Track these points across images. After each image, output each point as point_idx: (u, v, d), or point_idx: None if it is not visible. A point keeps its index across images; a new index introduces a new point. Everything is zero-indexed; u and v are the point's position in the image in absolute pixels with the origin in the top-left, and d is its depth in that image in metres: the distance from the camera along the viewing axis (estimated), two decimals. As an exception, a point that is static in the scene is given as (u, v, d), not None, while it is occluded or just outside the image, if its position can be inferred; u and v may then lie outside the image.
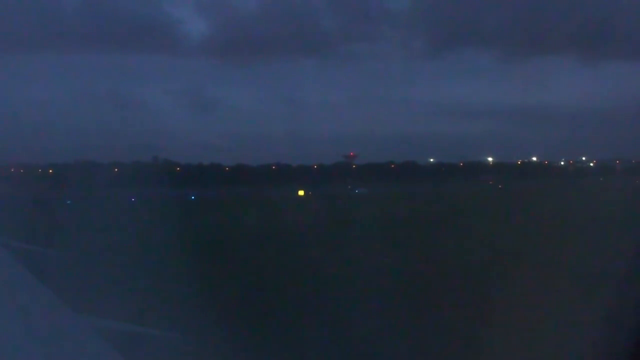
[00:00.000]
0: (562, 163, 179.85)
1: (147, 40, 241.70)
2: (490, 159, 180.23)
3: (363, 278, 27.46)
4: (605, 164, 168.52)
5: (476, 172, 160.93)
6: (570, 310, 18.59)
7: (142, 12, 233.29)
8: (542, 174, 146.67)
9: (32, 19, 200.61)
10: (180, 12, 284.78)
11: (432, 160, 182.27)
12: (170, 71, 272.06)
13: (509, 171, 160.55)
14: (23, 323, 6.69)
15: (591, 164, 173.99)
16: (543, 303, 20.43)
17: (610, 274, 15.99)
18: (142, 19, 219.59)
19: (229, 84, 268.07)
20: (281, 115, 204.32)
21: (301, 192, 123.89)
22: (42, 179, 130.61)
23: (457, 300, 23.02)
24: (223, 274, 30.81)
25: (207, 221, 67.94)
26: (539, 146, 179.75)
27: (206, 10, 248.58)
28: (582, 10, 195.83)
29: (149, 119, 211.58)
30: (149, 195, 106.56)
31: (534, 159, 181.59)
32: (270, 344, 19.02)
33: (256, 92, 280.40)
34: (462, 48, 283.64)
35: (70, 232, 44.71)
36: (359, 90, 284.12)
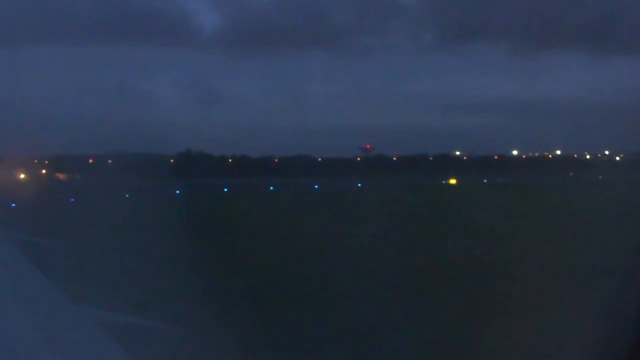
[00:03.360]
0: (588, 157, 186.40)
1: (163, 32, 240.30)
2: (515, 152, 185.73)
3: None
4: (632, 158, 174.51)
5: (514, 165, 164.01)
6: None
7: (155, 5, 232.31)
8: (592, 167, 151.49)
9: (49, 13, 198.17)
10: (194, 4, 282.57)
11: (458, 152, 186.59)
12: (186, 63, 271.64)
13: (546, 164, 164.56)
14: (24, 314, 6.72)
15: (617, 158, 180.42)
16: None
17: None
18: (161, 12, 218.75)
19: (239, 76, 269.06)
20: (292, 108, 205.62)
21: (453, 181, 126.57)
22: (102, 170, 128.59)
23: None
24: None
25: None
26: (556, 140, 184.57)
27: (221, 2, 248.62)
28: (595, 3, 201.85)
29: (164, 111, 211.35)
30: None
31: (558, 152, 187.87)
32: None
33: (267, 85, 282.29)
34: (474, 41, 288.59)
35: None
36: (369, 83, 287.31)
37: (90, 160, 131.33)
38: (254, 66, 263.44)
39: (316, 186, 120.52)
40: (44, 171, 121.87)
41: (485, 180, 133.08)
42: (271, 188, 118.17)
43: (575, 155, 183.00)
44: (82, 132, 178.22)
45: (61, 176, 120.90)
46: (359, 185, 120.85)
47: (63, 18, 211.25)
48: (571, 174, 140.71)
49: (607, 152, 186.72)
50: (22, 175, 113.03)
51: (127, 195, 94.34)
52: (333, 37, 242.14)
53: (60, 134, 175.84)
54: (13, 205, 57.56)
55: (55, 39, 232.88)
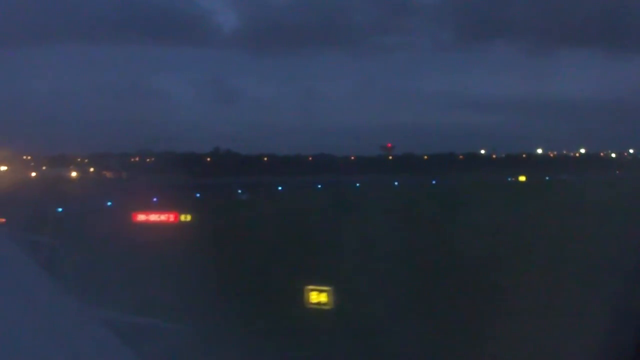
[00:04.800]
0: (614, 155, 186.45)
1: (180, 32, 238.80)
2: (540, 150, 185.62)
3: None
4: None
5: (544, 165, 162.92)
6: None
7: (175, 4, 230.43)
8: (630, 165, 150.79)
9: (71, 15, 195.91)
10: (212, 3, 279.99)
11: (483, 152, 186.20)
12: (203, 63, 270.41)
13: (580, 163, 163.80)
14: (29, 314, 6.74)
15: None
16: None
17: None
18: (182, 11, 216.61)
19: (256, 75, 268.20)
20: (308, 106, 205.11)
21: (522, 178, 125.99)
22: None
23: None
24: None
25: None
26: (577, 138, 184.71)
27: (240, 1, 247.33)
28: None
29: (181, 110, 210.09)
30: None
31: (582, 151, 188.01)
32: None
33: (284, 84, 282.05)
34: (491, 40, 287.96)
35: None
36: (386, 82, 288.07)
37: (136, 159, 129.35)
38: (271, 65, 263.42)
39: (396, 182, 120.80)
40: (91, 169, 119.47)
41: (547, 178, 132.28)
42: (357, 185, 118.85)
43: (602, 154, 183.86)
44: (90, 132, 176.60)
45: (108, 174, 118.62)
46: (433, 182, 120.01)
47: (83, 18, 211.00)
48: (617, 171, 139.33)
49: (631, 151, 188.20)
50: (73, 174, 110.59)
51: (239, 191, 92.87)
52: (350, 36, 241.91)
53: (70, 134, 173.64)
54: (154, 199, 55.54)
55: (73, 39, 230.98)
